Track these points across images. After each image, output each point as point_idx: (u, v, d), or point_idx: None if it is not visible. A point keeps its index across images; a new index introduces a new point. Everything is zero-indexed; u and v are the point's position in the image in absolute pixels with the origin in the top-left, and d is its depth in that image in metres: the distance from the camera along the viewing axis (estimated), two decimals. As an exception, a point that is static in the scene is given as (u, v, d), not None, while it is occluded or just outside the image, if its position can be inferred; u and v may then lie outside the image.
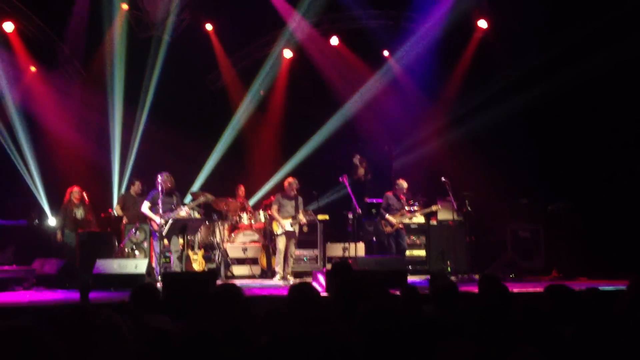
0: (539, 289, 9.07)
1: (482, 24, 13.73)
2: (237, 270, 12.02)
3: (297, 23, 14.03)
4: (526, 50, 12.69)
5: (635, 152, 12.02)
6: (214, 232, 11.96)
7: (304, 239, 11.97)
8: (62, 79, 13.63)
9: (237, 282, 11.06)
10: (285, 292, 4.60)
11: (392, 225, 11.59)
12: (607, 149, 12.25)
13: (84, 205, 11.47)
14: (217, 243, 11.78)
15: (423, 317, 4.75)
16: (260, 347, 3.37)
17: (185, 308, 5.45)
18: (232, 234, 12.38)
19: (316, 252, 12.33)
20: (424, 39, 13.80)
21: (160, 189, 10.26)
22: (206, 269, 11.20)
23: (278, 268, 11.03)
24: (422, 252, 12.58)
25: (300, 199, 11.27)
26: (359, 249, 11.75)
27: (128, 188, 12.45)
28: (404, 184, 11.81)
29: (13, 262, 10.27)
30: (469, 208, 11.55)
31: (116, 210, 12.03)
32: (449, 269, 11.69)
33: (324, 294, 8.21)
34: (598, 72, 11.81)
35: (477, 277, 10.90)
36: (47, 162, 13.15)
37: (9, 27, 12.84)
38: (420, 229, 12.65)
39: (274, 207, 11.18)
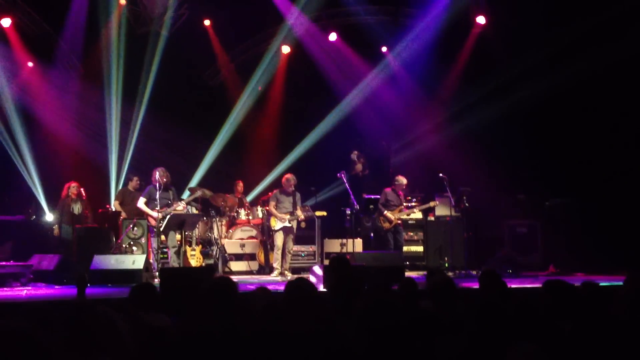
0: (537, 285, 9.09)
1: (481, 20, 13.71)
2: (235, 266, 12.01)
3: (295, 18, 13.99)
4: (524, 46, 12.68)
5: (632, 148, 12.03)
6: (211, 228, 11.95)
7: (301, 234, 11.97)
8: (59, 75, 13.58)
9: (235, 277, 11.06)
10: (282, 288, 4.59)
11: (390, 221, 11.59)
12: (605, 145, 12.27)
13: (81, 200, 11.46)
14: (214, 239, 11.78)
15: (420, 312, 4.76)
16: (257, 343, 3.38)
17: (183, 303, 5.46)
18: (230, 230, 12.37)
19: (314, 248, 12.33)
20: (423, 35, 13.78)
21: (156, 184, 10.27)
22: (204, 265, 11.19)
23: (276, 264, 11.04)
24: (419, 248, 12.59)
25: (298, 195, 11.28)
26: (356, 245, 11.77)
27: (126, 183, 12.43)
28: (403, 180, 11.80)
29: (10, 258, 10.25)
30: (466, 204, 11.56)
31: (115, 205, 12.02)
32: (446, 264, 11.70)
33: (320, 286, 8.23)
34: (597, 68, 11.81)
35: (474, 272, 10.93)
36: (45, 158, 13.11)
37: (6, 22, 12.80)
38: (417, 225, 12.66)
39: (272, 203, 11.18)
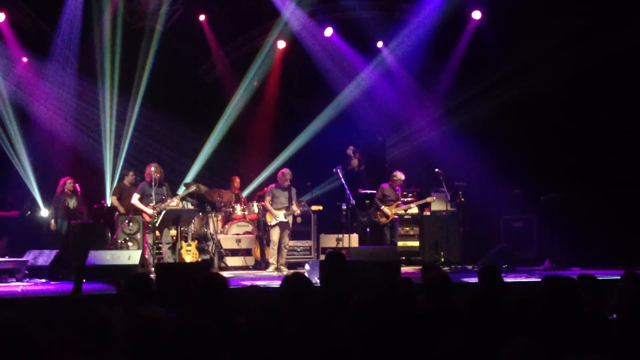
0: (533, 279, 9.11)
1: (476, 15, 13.69)
2: (231, 261, 12.01)
3: (291, 13, 13.96)
4: (520, 41, 12.66)
5: (628, 143, 12.05)
6: (207, 224, 11.95)
7: (297, 230, 11.96)
8: (54, 70, 13.53)
9: (231, 273, 11.07)
10: (278, 284, 4.60)
11: (387, 216, 11.60)
12: (600, 140, 12.29)
13: (76, 196, 11.44)
14: (210, 234, 11.77)
15: (417, 308, 4.77)
16: (254, 338, 3.38)
17: (178, 299, 5.45)
18: (226, 225, 12.36)
19: (310, 243, 12.33)
20: (418, 30, 13.76)
21: (149, 180, 10.26)
22: (200, 260, 11.18)
23: (272, 259, 11.03)
24: (415, 243, 12.60)
25: (293, 190, 11.27)
26: (352, 240, 11.77)
27: (122, 179, 12.40)
28: (401, 176, 11.80)
29: (5, 254, 10.23)
30: (462, 199, 11.57)
31: (112, 201, 11.97)
32: (442, 259, 11.71)
33: (314, 278, 8.23)
34: (592, 63, 11.82)
35: (470, 267, 10.96)
36: (40, 153, 13.09)
37: (0, 17, 12.75)
38: (413, 220, 12.67)
39: (268, 198, 11.18)
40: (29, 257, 9.91)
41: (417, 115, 14.29)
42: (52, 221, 11.30)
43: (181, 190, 11.79)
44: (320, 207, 12.18)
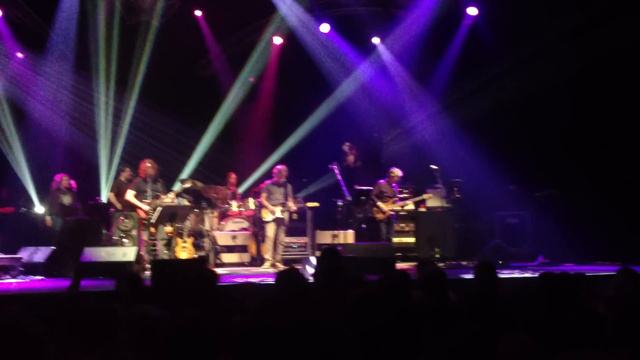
0: (526, 275, 9.15)
1: (472, 11, 13.69)
2: (227, 257, 12.00)
3: (287, 9, 13.94)
4: (516, 38, 12.68)
5: (622, 139, 12.08)
6: (203, 220, 11.94)
7: (293, 226, 11.97)
8: (50, 66, 13.49)
9: (227, 269, 11.09)
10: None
11: (383, 212, 11.62)
12: (595, 136, 12.31)
13: (71, 192, 11.42)
14: (206, 231, 11.77)
15: (413, 303, 4.78)
16: (248, 333, 3.38)
17: (174, 296, 5.46)
18: (222, 222, 12.36)
19: (305, 239, 12.34)
20: (414, 26, 13.76)
21: (143, 176, 10.24)
22: (195, 257, 11.17)
23: (267, 255, 11.04)
24: (411, 239, 12.60)
25: (289, 187, 11.28)
26: (348, 236, 11.78)
27: (118, 175, 12.36)
28: (398, 172, 11.82)
29: (0, 251, 10.21)
30: (457, 195, 11.59)
31: (109, 197, 11.93)
32: (437, 255, 11.73)
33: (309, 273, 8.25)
34: (589, 59, 11.85)
35: (465, 263, 10.99)
36: (35, 149, 13.05)
37: (-5, 13, 12.73)
38: (409, 216, 12.67)
39: (263, 195, 11.18)
40: (23, 254, 9.90)
41: (413, 112, 14.30)
42: (48, 218, 11.28)
43: (177, 187, 11.78)
44: (316, 204, 12.18)
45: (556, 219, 11.77)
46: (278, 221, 11.05)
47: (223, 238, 12.05)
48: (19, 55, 13.45)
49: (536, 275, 8.53)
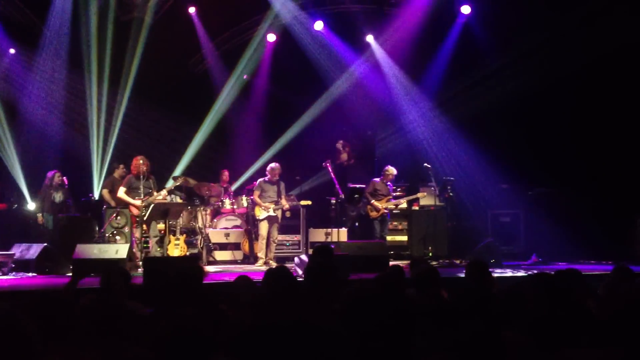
0: (520, 274, 9.16)
1: (465, 9, 13.69)
2: (220, 255, 11.99)
3: (281, 6, 13.91)
4: (509, 36, 12.69)
5: (615, 138, 12.11)
6: (196, 217, 11.91)
7: (286, 224, 11.96)
8: (43, 62, 13.42)
9: (219, 267, 11.06)
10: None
11: (377, 210, 11.61)
12: (588, 135, 12.34)
13: (63, 189, 11.35)
14: (199, 228, 11.74)
15: (407, 300, 4.78)
16: (243, 333, 3.36)
17: (164, 293, 5.43)
18: (215, 219, 12.33)
19: (299, 237, 12.33)
20: (408, 24, 13.75)
21: (135, 173, 10.20)
22: (188, 254, 11.15)
23: (260, 253, 11.02)
24: (404, 237, 12.61)
25: (282, 184, 11.26)
26: (341, 234, 11.77)
27: (111, 172, 12.29)
28: (393, 170, 11.82)
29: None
30: (450, 193, 11.60)
31: (103, 194, 11.86)
32: (430, 254, 11.74)
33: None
34: (583, 58, 11.88)
35: (457, 262, 10.99)
36: (27, 146, 12.99)
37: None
38: (402, 214, 12.67)
39: (256, 192, 11.15)
40: (15, 250, 9.84)
41: (407, 110, 14.29)
42: (40, 215, 11.22)
43: (169, 184, 11.75)
44: (310, 202, 12.17)
45: (549, 217, 11.79)
46: (271, 219, 11.02)
47: (216, 235, 12.03)
48: (11, 51, 13.37)
49: (529, 274, 8.59)
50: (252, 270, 10.41)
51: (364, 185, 12.22)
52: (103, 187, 12.07)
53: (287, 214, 11.86)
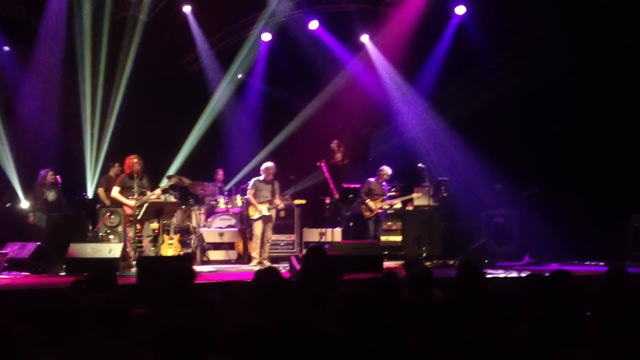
0: (513, 274, 9.17)
1: (460, 9, 13.71)
2: (214, 255, 11.96)
3: (276, 5, 13.90)
4: (504, 36, 12.71)
5: (610, 139, 12.14)
6: (190, 217, 11.89)
7: (280, 223, 11.95)
8: (37, 60, 13.36)
9: (213, 267, 11.04)
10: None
11: (371, 209, 11.61)
12: (582, 136, 12.36)
13: (56, 187, 11.29)
14: (193, 227, 11.72)
15: (402, 302, 4.79)
16: (237, 333, 3.35)
17: (158, 293, 5.42)
18: (209, 219, 12.31)
19: (293, 237, 12.32)
20: (403, 24, 13.76)
21: (129, 172, 10.17)
22: (182, 254, 11.12)
23: (254, 253, 10.99)
24: (398, 238, 12.61)
25: (277, 184, 11.24)
26: (335, 234, 11.77)
27: (107, 170, 12.25)
28: (388, 170, 11.82)
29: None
30: (444, 194, 11.61)
31: (99, 192, 11.83)
32: (424, 254, 11.74)
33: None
34: (577, 59, 11.91)
35: (451, 262, 11.00)
36: (21, 144, 12.93)
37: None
38: (396, 214, 12.68)
39: (250, 192, 11.13)
40: (9, 249, 9.80)
41: (401, 110, 14.31)
42: (31, 215, 11.14)
43: (163, 183, 11.72)
44: (304, 201, 12.17)
45: (543, 218, 11.81)
46: (265, 218, 11.01)
47: (210, 235, 12.01)
48: (5, 48, 13.31)
49: (522, 275, 8.60)
50: (246, 270, 10.40)
51: (358, 185, 12.21)
52: (99, 186, 12.02)
53: (282, 214, 11.84)
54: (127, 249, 10.02)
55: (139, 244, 10.29)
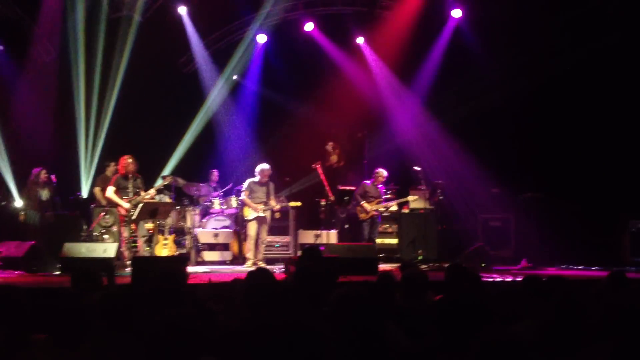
0: (509, 279, 9.17)
1: (456, 13, 13.72)
2: (208, 256, 11.93)
3: (272, 7, 13.90)
4: (501, 40, 12.72)
5: (605, 144, 12.17)
6: (185, 217, 11.86)
7: (275, 225, 11.92)
8: (32, 59, 13.32)
9: (208, 267, 11.02)
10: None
11: (367, 211, 11.59)
12: (578, 141, 12.38)
13: (49, 186, 11.23)
14: (188, 228, 11.69)
15: (395, 303, 4.78)
16: (232, 334, 3.34)
17: (149, 293, 5.40)
18: (204, 219, 12.28)
19: (288, 238, 12.29)
20: (399, 27, 13.77)
21: (123, 172, 10.13)
22: (177, 254, 11.09)
23: (249, 254, 10.97)
24: (394, 240, 12.59)
25: (272, 185, 11.22)
26: (331, 236, 11.75)
27: (103, 170, 12.21)
28: (383, 172, 11.80)
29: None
30: (440, 197, 11.61)
31: (96, 192, 11.78)
32: (420, 257, 11.73)
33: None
34: (572, 63, 11.93)
35: (446, 265, 10.97)
36: (15, 143, 12.87)
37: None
38: (392, 217, 12.66)
39: (245, 193, 11.10)
40: (3, 248, 9.77)
41: (397, 112, 14.31)
42: (22, 213, 11.08)
43: (158, 183, 11.68)
44: (299, 203, 12.14)
45: (539, 222, 11.82)
46: (260, 220, 10.98)
47: (205, 236, 11.98)
48: (0, 47, 13.27)
49: (519, 279, 8.59)
50: (241, 271, 10.37)
51: (353, 188, 12.20)
52: (95, 185, 11.97)
53: (277, 215, 11.82)
54: (122, 249, 9.98)
55: (133, 244, 10.26)
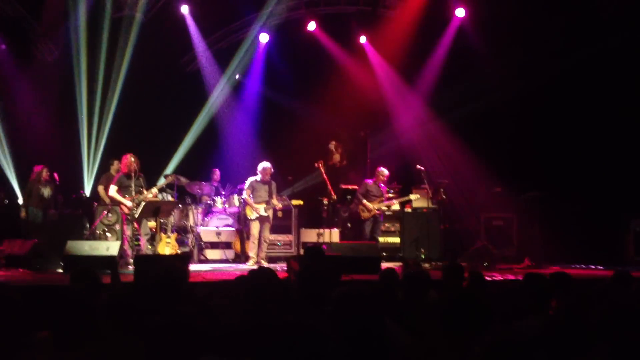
0: (511, 277, 9.16)
1: (460, 12, 13.70)
2: (211, 254, 11.94)
3: (274, 6, 13.89)
4: (504, 40, 12.71)
5: (608, 143, 12.15)
6: (187, 216, 11.87)
7: (278, 224, 11.92)
8: (34, 58, 13.34)
9: (211, 266, 11.02)
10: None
11: (369, 210, 11.58)
12: (580, 140, 12.37)
13: (51, 185, 11.23)
14: (190, 227, 11.70)
15: (397, 301, 4.78)
16: (233, 333, 3.33)
17: (151, 291, 5.40)
18: (206, 218, 12.29)
19: (290, 237, 12.29)
20: (402, 26, 13.75)
21: (126, 171, 10.13)
22: (179, 253, 11.09)
23: (252, 253, 10.98)
24: (396, 239, 12.58)
25: (274, 184, 11.21)
26: (333, 235, 11.74)
27: (107, 168, 12.20)
28: (385, 171, 11.79)
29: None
30: (443, 196, 11.59)
31: (100, 190, 11.78)
32: (422, 256, 11.72)
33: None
34: (575, 63, 11.92)
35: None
36: (18, 141, 12.90)
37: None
38: (394, 216, 12.65)
39: (247, 192, 11.10)
40: (6, 246, 9.78)
41: (400, 112, 14.29)
42: (22, 210, 11.08)
43: (160, 182, 11.69)
44: (301, 202, 12.14)
45: (542, 221, 11.80)
46: (262, 219, 10.99)
47: (207, 234, 11.99)
48: (2, 46, 13.27)
49: (518, 278, 8.59)
50: (243, 269, 10.37)
51: (356, 187, 12.19)
52: (99, 184, 11.96)
53: (279, 214, 11.82)
54: (125, 247, 9.99)
55: (136, 242, 10.27)
